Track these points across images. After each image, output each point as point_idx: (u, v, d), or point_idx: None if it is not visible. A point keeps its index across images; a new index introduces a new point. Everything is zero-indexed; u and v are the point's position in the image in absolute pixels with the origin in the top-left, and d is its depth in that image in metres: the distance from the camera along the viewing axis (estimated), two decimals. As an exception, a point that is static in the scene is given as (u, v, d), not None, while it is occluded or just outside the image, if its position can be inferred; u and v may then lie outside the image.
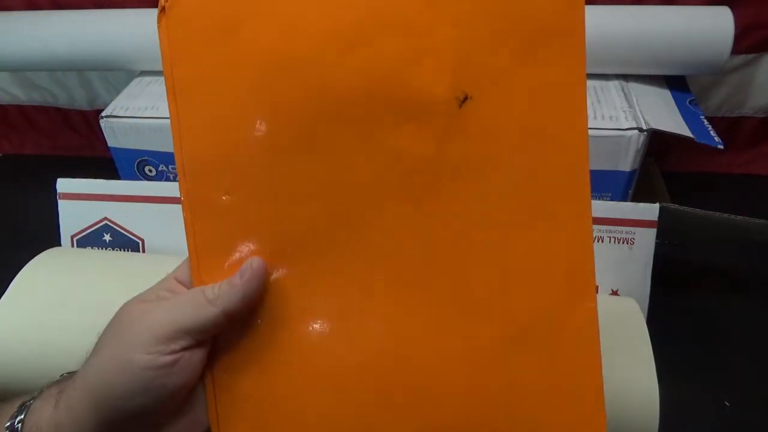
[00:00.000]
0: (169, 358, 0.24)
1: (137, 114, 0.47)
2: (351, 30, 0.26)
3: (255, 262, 0.26)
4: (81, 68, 0.57)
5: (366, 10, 0.26)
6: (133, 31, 0.50)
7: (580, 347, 0.25)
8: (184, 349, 0.24)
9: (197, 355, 0.25)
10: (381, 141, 0.26)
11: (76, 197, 0.46)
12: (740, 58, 0.52)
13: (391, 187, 0.26)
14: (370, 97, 0.26)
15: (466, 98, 0.25)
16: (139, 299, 0.26)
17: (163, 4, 0.26)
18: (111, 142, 0.49)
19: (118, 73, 0.62)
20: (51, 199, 0.46)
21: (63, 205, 0.46)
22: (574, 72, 0.25)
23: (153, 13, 0.26)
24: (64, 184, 0.46)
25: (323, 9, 0.26)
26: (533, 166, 0.26)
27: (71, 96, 0.65)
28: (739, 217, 0.40)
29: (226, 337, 0.27)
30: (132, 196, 0.45)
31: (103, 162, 0.52)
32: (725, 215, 0.40)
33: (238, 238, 0.27)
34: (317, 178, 0.26)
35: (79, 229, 0.46)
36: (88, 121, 0.67)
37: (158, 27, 0.26)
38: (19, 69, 0.61)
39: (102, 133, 0.48)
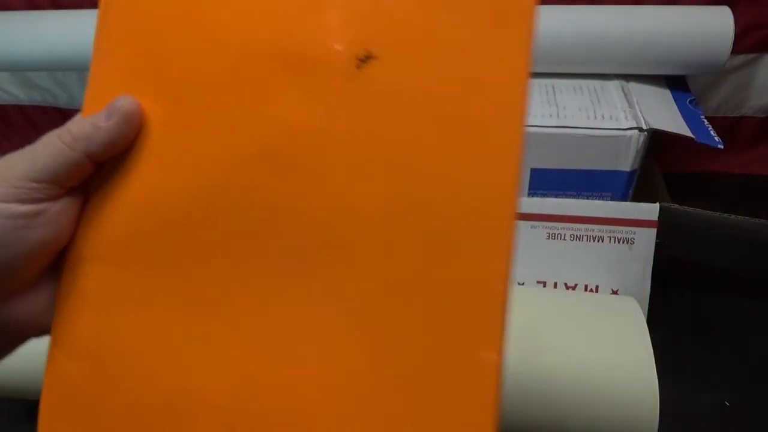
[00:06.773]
0: (30, 207, 0.21)
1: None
2: None
3: (125, 103, 0.22)
4: (81, 68, 0.57)
5: None
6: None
7: (471, 408, 0.19)
8: (50, 198, 0.22)
9: (68, 208, 0.23)
10: (266, 108, 0.21)
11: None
12: (740, 58, 0.52)
13: (270, 169, 0.21)
14: (258, 51, 0.22)
15: (367, 57, 0.21)
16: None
17: None
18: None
19: (118, 73, 0.62)
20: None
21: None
22: (517, 50, 0.20)
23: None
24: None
25: None
26: (445, 161, 0.20)
27: (71, 96, 0.65)
28: (739, 217, 0.40)
29: (97, 187, 0.23)
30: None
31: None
32: (725, 215, 0.40)
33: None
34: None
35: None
36: (88, 121, 0.67)
37: None
38: (19, 69, 0.61)
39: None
